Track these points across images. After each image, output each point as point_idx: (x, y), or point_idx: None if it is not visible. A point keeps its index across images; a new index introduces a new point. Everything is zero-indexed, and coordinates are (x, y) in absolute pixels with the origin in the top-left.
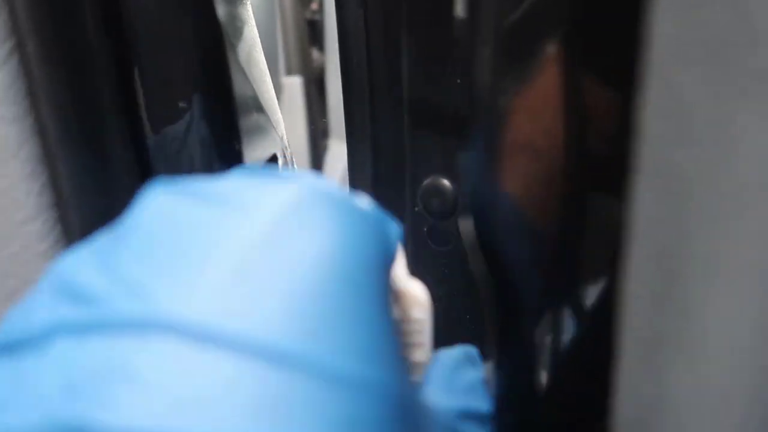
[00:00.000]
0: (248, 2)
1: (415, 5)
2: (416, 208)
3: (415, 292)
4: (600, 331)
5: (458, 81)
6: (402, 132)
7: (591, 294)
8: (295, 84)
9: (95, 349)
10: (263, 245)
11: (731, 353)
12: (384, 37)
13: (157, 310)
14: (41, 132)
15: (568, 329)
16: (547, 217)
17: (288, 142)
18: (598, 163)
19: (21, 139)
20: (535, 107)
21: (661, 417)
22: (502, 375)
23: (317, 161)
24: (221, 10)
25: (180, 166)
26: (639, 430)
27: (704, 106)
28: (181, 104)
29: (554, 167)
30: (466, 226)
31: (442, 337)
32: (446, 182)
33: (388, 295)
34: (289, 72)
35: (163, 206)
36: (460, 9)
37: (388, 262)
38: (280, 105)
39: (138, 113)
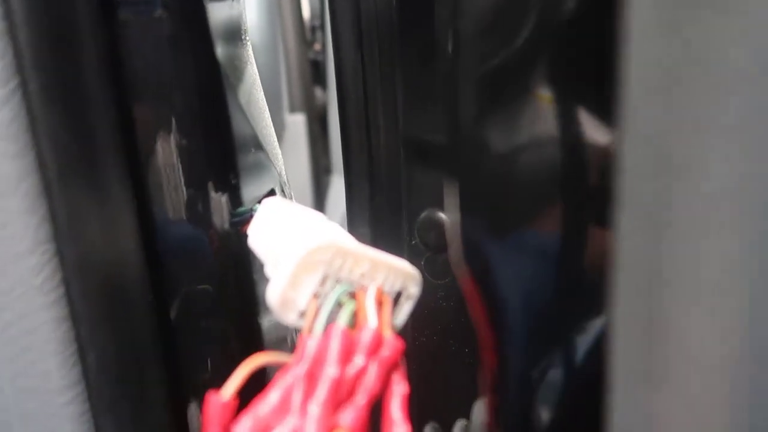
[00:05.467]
0: (248, 43)
1: (407, 48)
2: (413, 242)
3: (411, 270)
4: (591, 367)
5: (452, 118)
6: (398, 167)
7: (583, 330)
8: (298, 122)
9: None
10: None
11: (713, 378)
12: (379, 78)
13: None
14: (41, 168)
15: (561, 366)
16: (538, 253)
17: (287, 178)
18: (585, 198)
19: (20, 175)
20: (519, 145)
21: None
22: (497, 409)
23: (320, 198)
24: (221, 51)
25: (178, 202)
26: None
27: (673, 133)
28: (183, 143)
29: (543, 203)
30: (457, 259)
31: (441, 369)
32: (442, 215)
33: None
34: (293, 110)
35: None
36: (448, 52)
37: None
38: (283, 142)
39: (136, 150)
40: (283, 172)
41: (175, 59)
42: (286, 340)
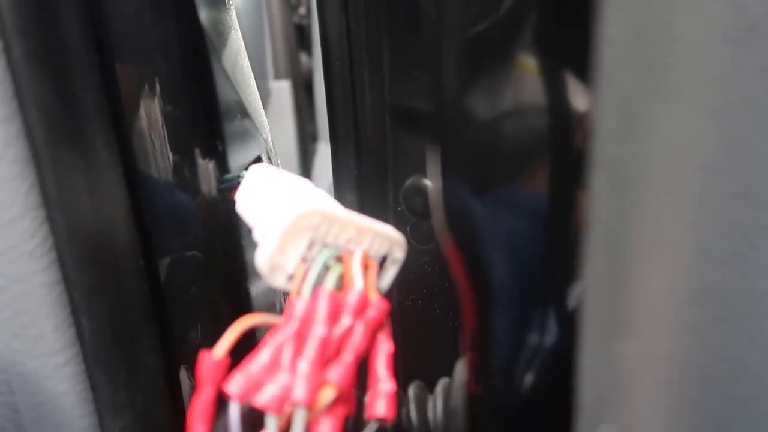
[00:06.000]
0: (232, 8)
1: (394, 13)
2: (399, 208)
3: (396, 235)
4: (564, 322)
5: (436, 84)
6: (384, 134)
7: (559, 287)
8: (283, 88)
9: None
10: None
11: (670, 327)
12: (365, 42)
13: None
14: (28, 134)
15: (538, 323)
16: (520, 216)
17: (274, 145)
18: (565, 163)
19: (8, 141)
20: (501, 112)
21: (617, 392)
22: (477, 368)
23: (306, 165)
24: (205, 16)
25: (164, 168)
26: (599, 406)
27: (640, 102)
28: (167, 107)
29: (523, 169)
30: (441, 225)
31: (425, 333)
32: (428, 182)
33: None
34: (278, 76)
35: None
36: (432, 18)
37: None
38: (268, 109)
39: (122, 116)
40: (270, 140)
41: (158, 23)
42: (275, 305)
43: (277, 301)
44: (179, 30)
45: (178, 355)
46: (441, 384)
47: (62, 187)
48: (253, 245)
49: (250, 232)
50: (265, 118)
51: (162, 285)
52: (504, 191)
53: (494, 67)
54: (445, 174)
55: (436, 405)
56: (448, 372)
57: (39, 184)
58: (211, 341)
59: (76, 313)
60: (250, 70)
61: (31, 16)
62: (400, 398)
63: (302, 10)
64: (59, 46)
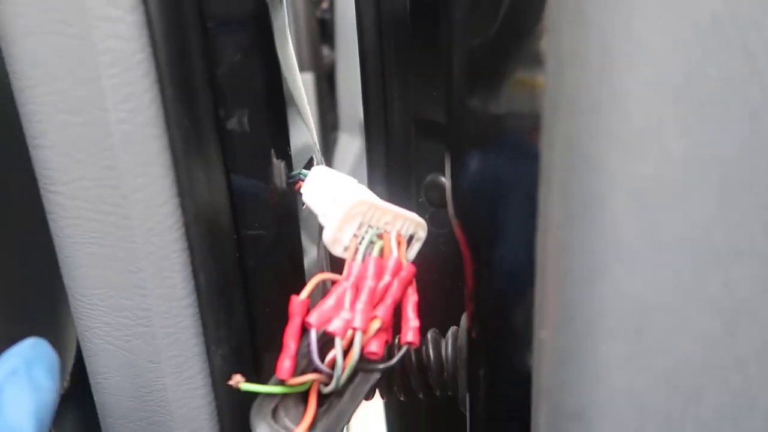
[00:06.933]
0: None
1: (418, 36)
2: (420, 199)
3: (420, 220)
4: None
5: (447, 99)
6: (409, 138)
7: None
8: (306, 80)
9: None
10: None
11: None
12: (396, 66)
13: None
14: (171, 146)
15: (519, 289)
16: (512, 209)
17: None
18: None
19: (159, 151)
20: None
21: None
22: (473, 317)
23: (327, 154)
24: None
25: (250, 169)
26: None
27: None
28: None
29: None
30: (452, 214)
31: (439, 294)
32: (443, 179)
33: None
34: (301, 69)
35: None
36: (443, 38)
37: None
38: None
39: (225, 131)
40: (312, 127)
41: (251, 64)
42: (323, 271)
43: (322, 270)
44: (266, 72)
45: (255, 303)
46: (451, 330)
47: (191, 183)
48: (307, 225)
49: (307, 216)
50: (308, 108)
51: (244, 254)
52: (502, 190)
53: (492, 83)
54: (455, 174)
55: (447, 345)
56: (457, 322)
57: (176, 181)
58: (278, 294)
59: (195, 271)
60: (296, 63)
61: (176, 66)
62: (420, 339)
63: (325, 4)
64: (191, 86)
